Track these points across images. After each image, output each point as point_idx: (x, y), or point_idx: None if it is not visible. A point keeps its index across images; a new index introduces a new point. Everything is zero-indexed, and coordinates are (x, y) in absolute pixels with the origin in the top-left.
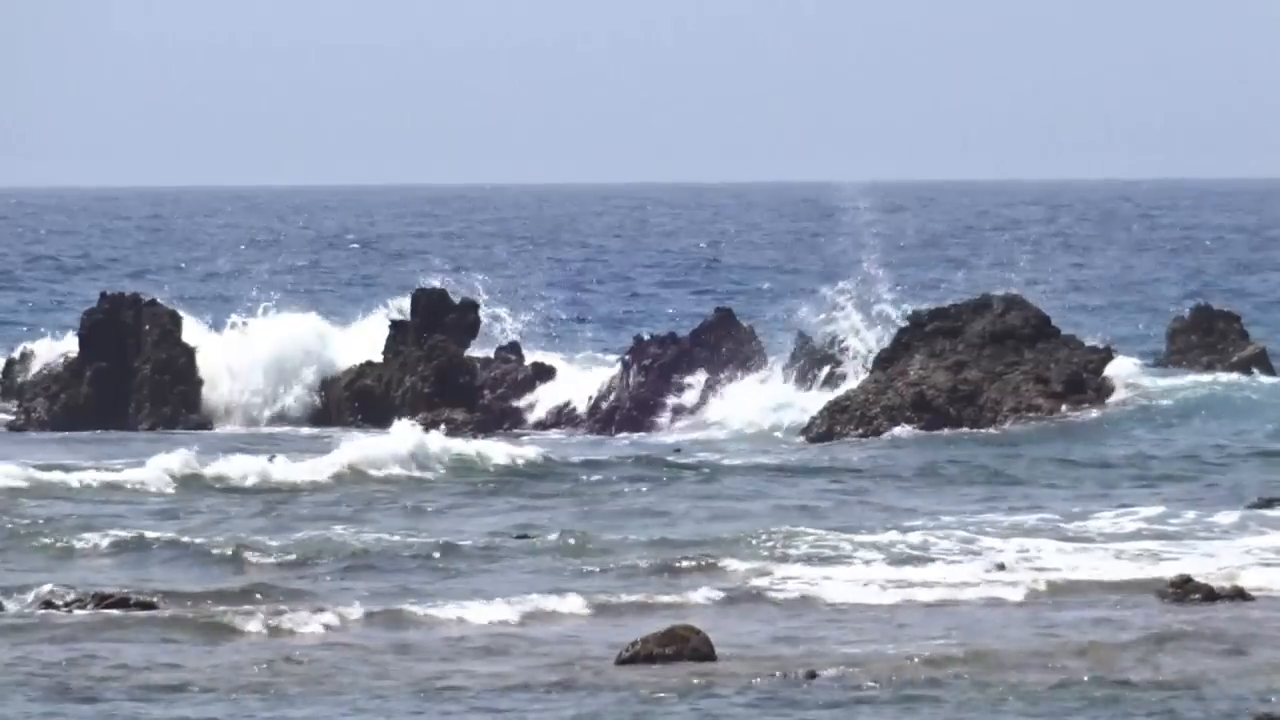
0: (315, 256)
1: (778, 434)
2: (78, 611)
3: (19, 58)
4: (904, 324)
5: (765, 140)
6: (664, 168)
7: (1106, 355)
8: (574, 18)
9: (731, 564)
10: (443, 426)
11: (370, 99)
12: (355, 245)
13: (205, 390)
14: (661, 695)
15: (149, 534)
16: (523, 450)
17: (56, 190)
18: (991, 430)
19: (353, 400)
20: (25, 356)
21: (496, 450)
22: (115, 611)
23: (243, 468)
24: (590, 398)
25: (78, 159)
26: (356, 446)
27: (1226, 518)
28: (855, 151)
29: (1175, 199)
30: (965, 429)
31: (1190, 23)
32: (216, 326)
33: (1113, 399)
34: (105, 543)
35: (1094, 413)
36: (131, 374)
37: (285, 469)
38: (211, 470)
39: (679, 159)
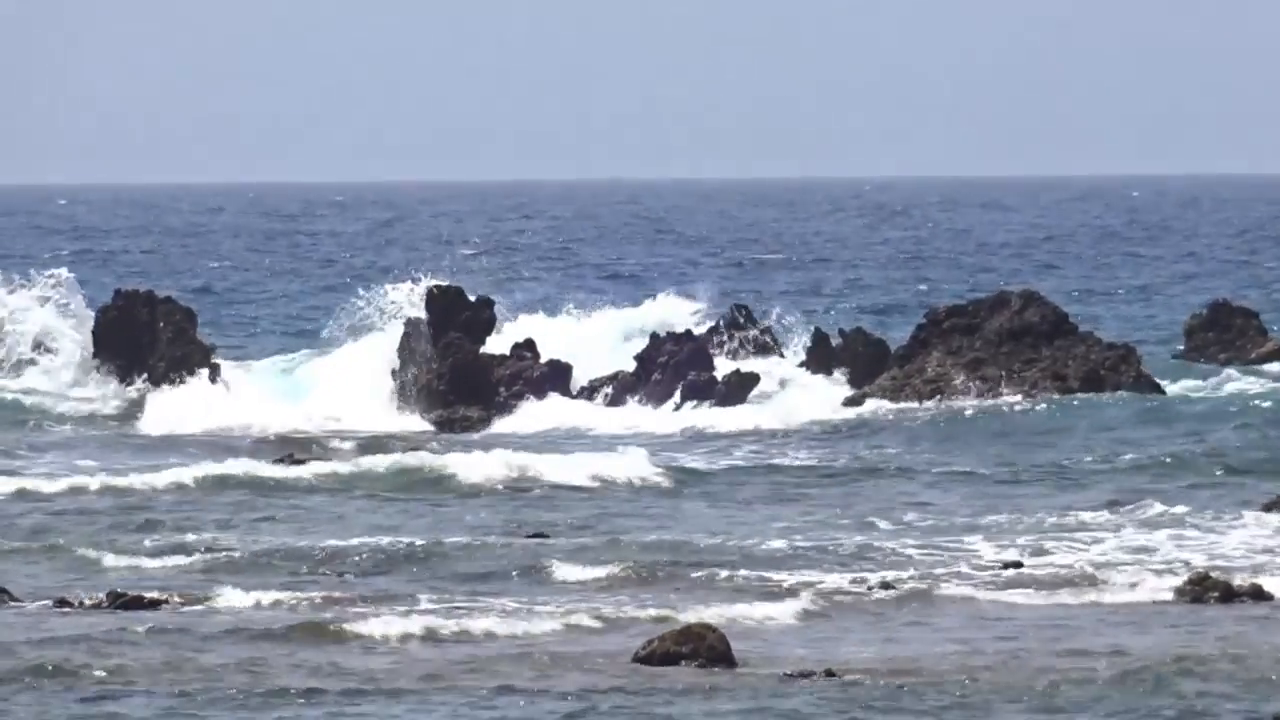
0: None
1: (787, 434)
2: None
3: (20, 57)
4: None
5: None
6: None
7: (1125, 352)
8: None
9: (745, 567)
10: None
11: (372, 99)
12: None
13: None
14: (677, 692)
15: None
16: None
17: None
18: (1007, 426)
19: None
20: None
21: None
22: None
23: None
24: (606, 394)
25: (71, 158)
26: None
27: (1245, 515)
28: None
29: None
30: (981, 424)
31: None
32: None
33: (1128, 395)
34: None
35: (1108, 409)
36: (147, 371)
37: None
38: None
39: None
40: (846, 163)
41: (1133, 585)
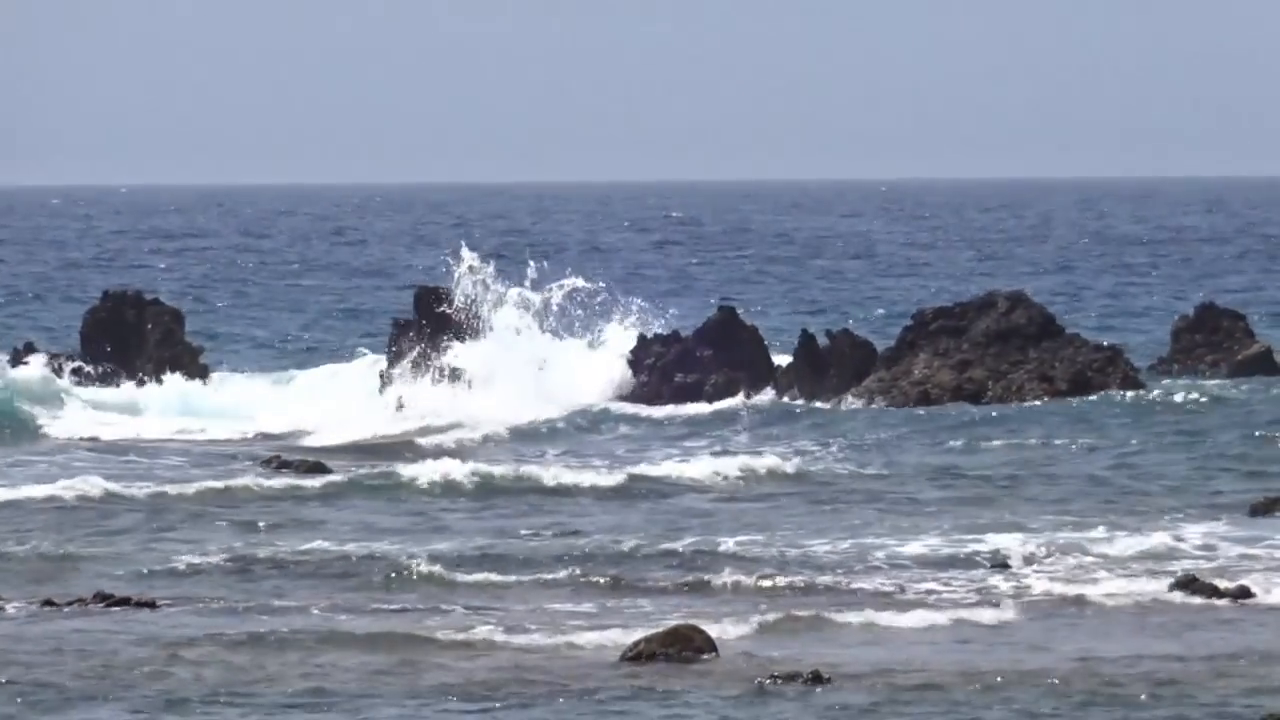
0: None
1: (775, 436)
2: (90, 607)
3: (22, 57)
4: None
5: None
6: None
7: (1111, 354)
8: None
9: (740, 569)
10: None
11: (377, 98)
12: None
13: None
14: (663, 693)
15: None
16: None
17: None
18: (993, 428)
19: None
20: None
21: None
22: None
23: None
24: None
25: (75, 158)
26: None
27: (1231, 517)
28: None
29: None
30: (967, 426)
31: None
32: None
33: (1116, 398)
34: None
35: (1095, 411)
36: (134, 373)
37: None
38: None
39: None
40: (847, 165)
41: (1120, 587)
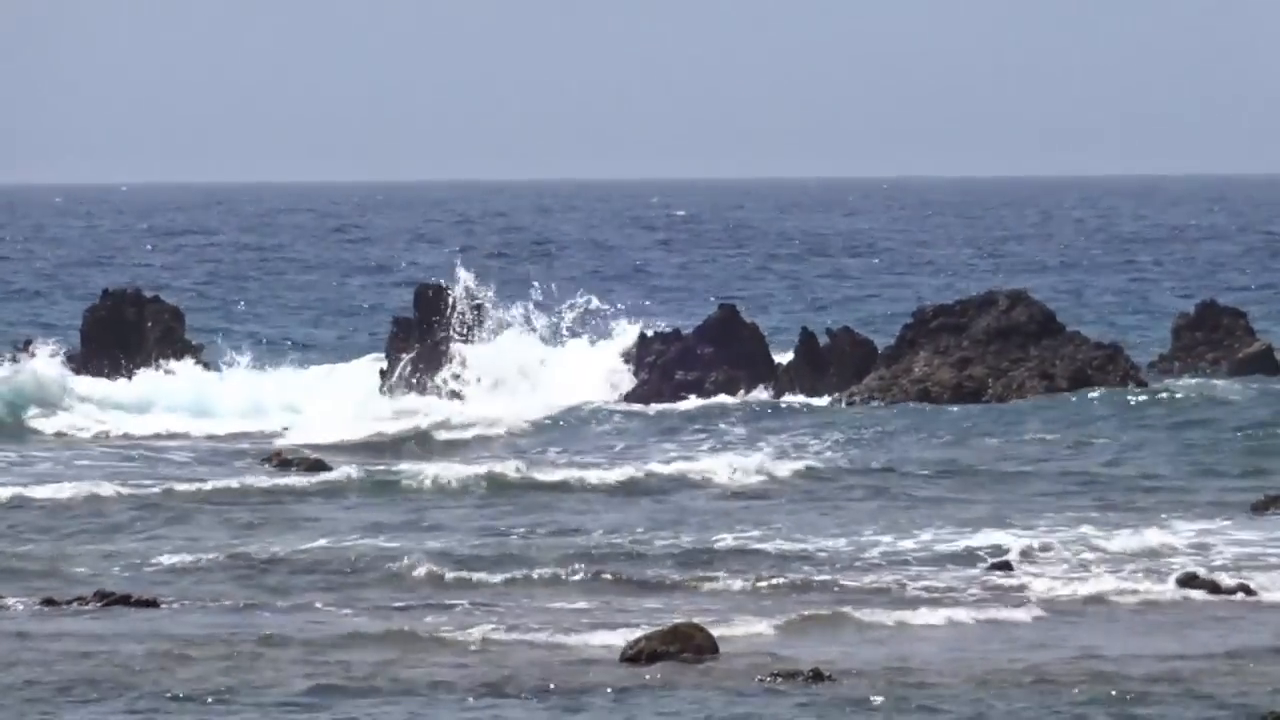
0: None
1: (773, 435)
2: (83, 607)
3: (23, 57)
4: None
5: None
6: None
7: (1111, 352)
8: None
9: (728, 574)
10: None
11: (378, 96)
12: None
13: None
14: (664, 692)
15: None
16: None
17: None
18: (993, 426)
19: None
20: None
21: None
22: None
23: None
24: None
25: (76, 157)
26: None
27: (1232, 515)
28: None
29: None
30: (967, 424)
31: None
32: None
33: (1116, 395)
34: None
35: (1096, 409)
36: (135, 371)
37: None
38: None
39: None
40: (849, 162)
41: (1120, 585)
